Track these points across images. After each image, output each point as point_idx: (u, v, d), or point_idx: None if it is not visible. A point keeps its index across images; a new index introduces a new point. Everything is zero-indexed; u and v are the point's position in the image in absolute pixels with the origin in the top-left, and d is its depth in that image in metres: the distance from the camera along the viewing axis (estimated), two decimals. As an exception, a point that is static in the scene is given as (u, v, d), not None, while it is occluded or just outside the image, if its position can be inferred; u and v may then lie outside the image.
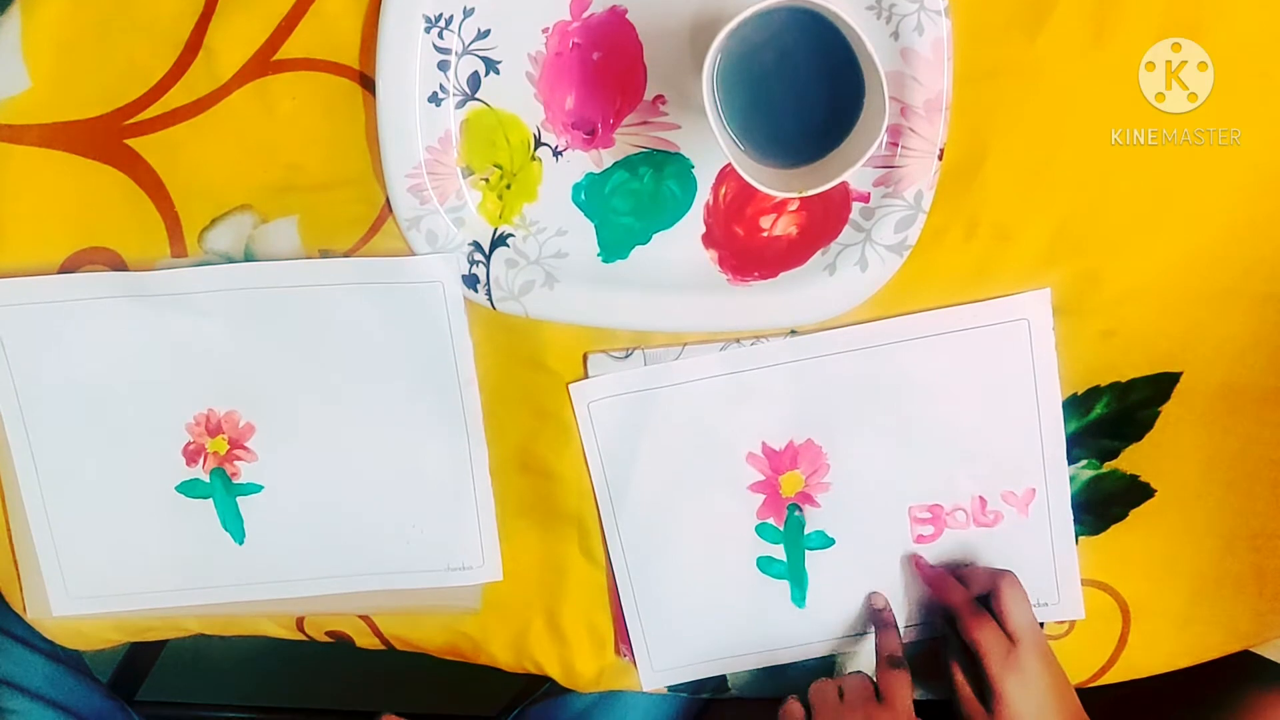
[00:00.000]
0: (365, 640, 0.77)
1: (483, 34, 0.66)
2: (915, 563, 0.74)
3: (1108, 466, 0.72)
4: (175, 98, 0.67)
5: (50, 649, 0.78)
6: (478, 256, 0.69)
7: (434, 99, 0.66)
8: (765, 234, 0.69)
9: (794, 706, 0.70)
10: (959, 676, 0.69)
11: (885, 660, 0.71)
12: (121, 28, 0.66)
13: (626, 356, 0.71)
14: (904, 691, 0.69)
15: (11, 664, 0.75)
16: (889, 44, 0.64)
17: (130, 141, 0.68)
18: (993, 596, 0.68)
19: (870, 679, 0.70)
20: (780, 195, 0.64)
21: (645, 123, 0.67)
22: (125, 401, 0.72)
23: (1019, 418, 0.71)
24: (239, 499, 0.74)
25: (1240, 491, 0.72)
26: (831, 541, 0.74)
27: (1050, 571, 0.73)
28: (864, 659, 0.76)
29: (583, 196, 0.69)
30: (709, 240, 0.69)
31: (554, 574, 0.75)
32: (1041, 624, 0.74)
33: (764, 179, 0.60)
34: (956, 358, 0.70)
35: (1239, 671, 0.75)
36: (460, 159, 0.68)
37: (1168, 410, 0.71)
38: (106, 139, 0.68)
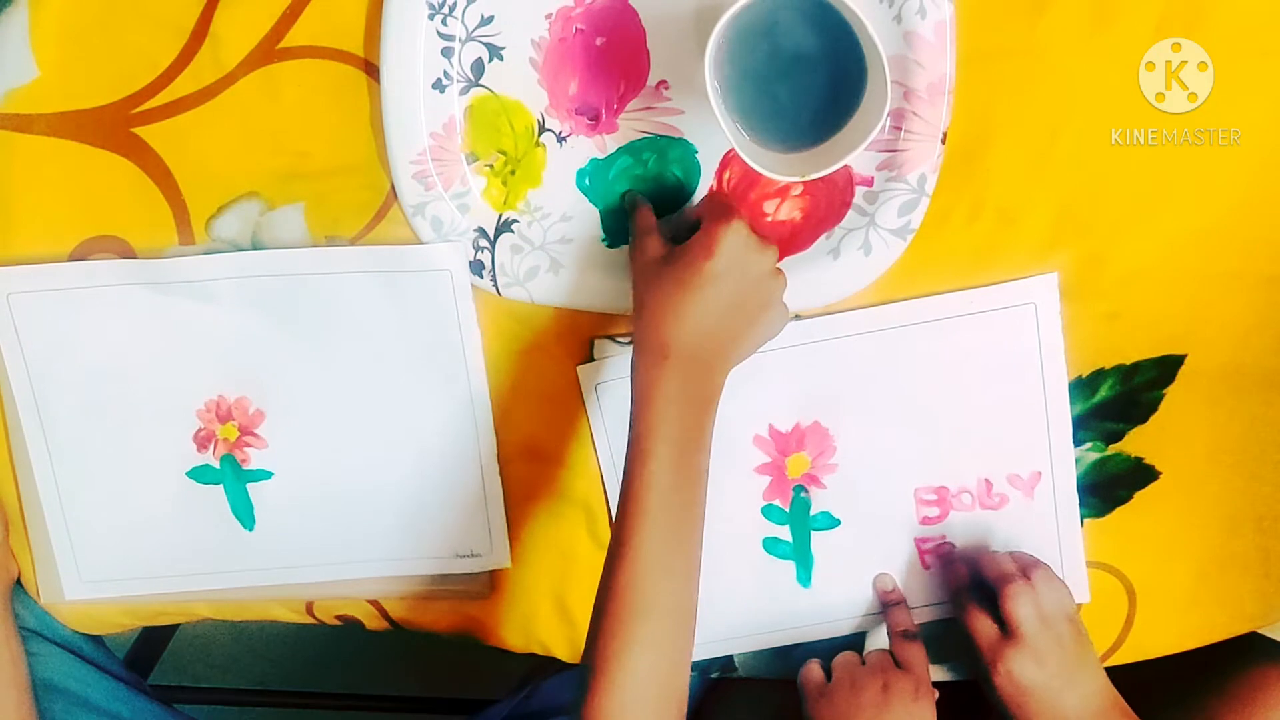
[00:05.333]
0: (375, 624, 0.78)
1: (486, 20, 0.66)
2: (918, 544, 0.74)
3: (1113, 449, 0.72)
4: (182, 86, 0.67)
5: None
6: (483, 242, 0.69)
7: (438, 85, 0.66)
8: (769, 219, 0.69)
9: (814, 668, 0.72)
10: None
11: (899, 634, 0.72)
12: (127, 16, 0.67)
13: (632, 341, 0.71)
14: (920, 659, 0.71)
15: (37, 621, 0.76)
16: (892, 27, 0.64)
17: (137, 130, 0.68)
18: (998, 595, 0.68)
19: (889, 652, 0.72)
20: (783, 179, 0.64)
21: (649, 108, 0.67)
22: (137, 388, 0.72)
23: (1024, 401, 0.71)
24: (249, 485, 0.74)
25: (1245, 473, 0.72)
26: (837, 522, 0.74)
27: (1056, 554, 0.73)
28: (873, 642, 0.76)
29: (587, 182, 0.69)
30: (713, 225, 0.69)
31: (562, 558, 0.75)
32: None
33: (767, 163, 0.60)
34: (963, 341, 0.70)
35: (1245, 653, 0.75)
36: (464, 145, 0.68)
37: (1172, 392, 0.71)
38: (114, 128, 0.68)
